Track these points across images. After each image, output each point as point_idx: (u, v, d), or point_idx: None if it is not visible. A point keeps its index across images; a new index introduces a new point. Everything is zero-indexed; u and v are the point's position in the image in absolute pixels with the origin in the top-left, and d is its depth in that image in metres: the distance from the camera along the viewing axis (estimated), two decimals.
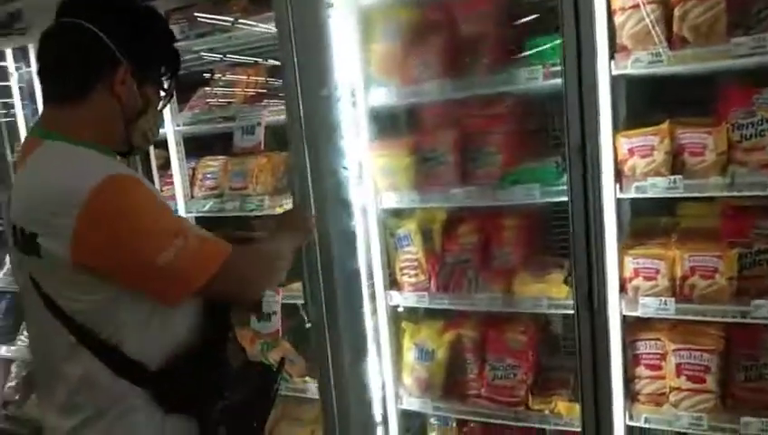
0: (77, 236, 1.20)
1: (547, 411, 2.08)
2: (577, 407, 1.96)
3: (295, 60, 2.04)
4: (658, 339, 1.92)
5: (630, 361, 1.94)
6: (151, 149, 2.68)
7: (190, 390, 1.37)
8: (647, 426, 1.92)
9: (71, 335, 1.28)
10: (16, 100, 3.04)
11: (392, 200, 2.21)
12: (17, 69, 2.97)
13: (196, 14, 2.43)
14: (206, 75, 2.82)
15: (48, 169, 1.29)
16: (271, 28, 2.38)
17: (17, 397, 3.39)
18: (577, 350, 1.88)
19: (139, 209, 1.26)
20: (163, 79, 1.45)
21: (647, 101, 2.00)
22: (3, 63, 3.02)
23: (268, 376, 1.56)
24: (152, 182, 2.63)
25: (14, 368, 3.49)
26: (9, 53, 2.99)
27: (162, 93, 1.46)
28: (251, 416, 1.49)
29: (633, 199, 1.99)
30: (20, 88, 3.03)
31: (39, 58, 1.39)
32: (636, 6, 1.72)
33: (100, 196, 1.20)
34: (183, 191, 2.69)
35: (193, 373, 1.36)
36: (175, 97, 2.57)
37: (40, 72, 1.39)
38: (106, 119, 1.36)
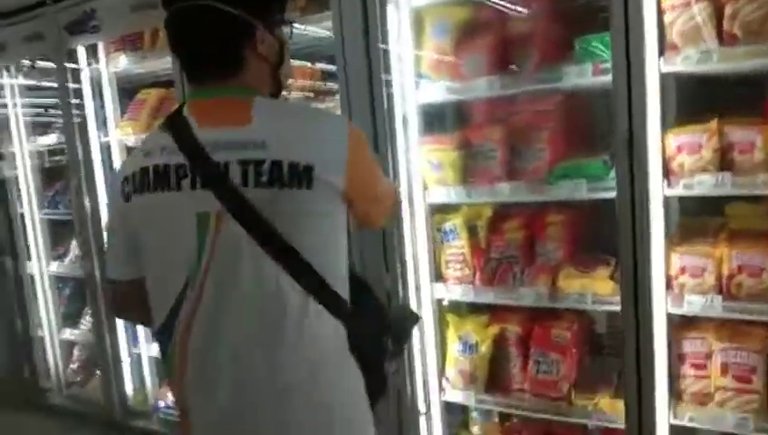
0: (348, 165, 1.30)
1: (590, 407, 2.08)
2: (620, 404, 1.97)
3: (348, 57, 2.13)
4: (704, 338, 1.91)
5: (675, 359, 1.93)
6: None
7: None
8: (691, 425, 1.91)
9: (290, 276, 1.26)
10: (87, 98, 3.13)
11: (440, 195, 2.26)
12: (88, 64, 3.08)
13: None
14: None
15: (307, 111, 1.60)
16: (321, 31, 2.45)
17: (79, 378, 3.57)
18: (622, 346, 1.88)
19: (370, 153, 1.46)
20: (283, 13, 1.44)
21: (697, 100, 1.99)
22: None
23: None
24: None
25: (76, 351, 3.67)
26: (81, 50, 3.08)
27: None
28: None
29: (681, 199, 1.99)
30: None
31: (178, 43, 1.35)
32: (686, 4, 1.73)
33: (355, 133, 1.35)
34: None
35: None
36: None
37: (185, 57, 1.36)
38: (261, 78, 1.39)
